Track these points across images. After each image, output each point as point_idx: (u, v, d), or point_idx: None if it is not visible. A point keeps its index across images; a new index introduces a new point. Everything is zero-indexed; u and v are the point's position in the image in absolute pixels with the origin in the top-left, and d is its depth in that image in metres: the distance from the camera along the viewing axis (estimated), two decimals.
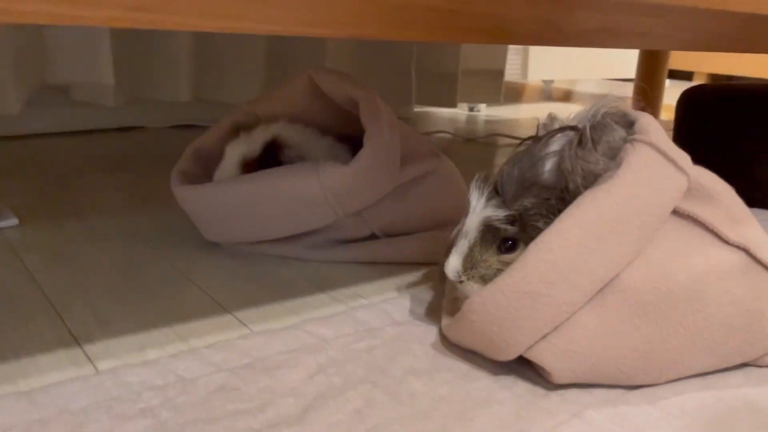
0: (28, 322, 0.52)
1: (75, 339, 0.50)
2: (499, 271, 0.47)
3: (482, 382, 0.45)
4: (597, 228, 0.43)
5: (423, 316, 0.55)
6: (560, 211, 0.45)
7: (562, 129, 0.48)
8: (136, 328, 0.52)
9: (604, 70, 2.47)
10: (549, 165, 0.47)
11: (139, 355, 0.48)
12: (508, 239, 0.47)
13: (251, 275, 0.64)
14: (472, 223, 0.48)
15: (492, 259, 0.48)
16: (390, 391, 0.43)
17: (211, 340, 0.50)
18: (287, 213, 0.64)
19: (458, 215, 0.71)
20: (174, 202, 0.68)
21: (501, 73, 1.87)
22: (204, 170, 0.72)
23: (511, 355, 0.45)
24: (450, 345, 0.50)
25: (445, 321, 0.51)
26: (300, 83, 0.72)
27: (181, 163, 0.71)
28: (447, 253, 0.50)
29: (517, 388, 0.45)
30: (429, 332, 0.52)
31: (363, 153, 0.62)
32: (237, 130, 0.73)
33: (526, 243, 0.46)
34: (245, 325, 0.54)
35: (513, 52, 2.09)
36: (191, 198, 0.67)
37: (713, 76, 3.04)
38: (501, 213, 0.46)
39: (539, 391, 0.45)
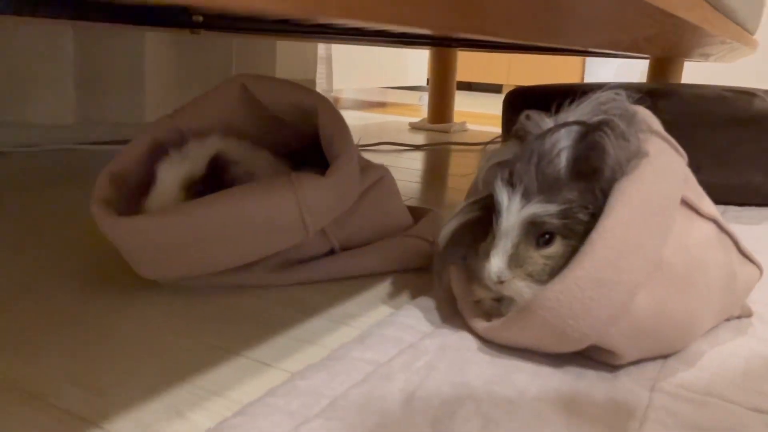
0: None
1: None
2: (546, 265, 0.48)
3: (560, 377, 0.46)
4: (644, 211, 0.46)
5: (444, 324, 0.54)
6: (598, 201, 0.47)
7: (565, 124, 0.51)
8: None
9: (398, 79, 2.62)
10: (564, 159, 0.49)
11: None
12: (546, 233, 0.48)
13: (223, 312, 0.56)
14: (511, 221, 0.48)
15: (535, 254, 0.48)
16: (497, 403, 0.42)
17: (254, 393, 0.43)
18: (256, 237, 0.57)
19: (406, 221, 0.71)
20: (71, 234, 0.57)
21: (313, 82, 1.88)
22: (122, 196, 0.61)
23: (583, 344, 0.46)
24: (498, 347, 0.49)
25: (482, 324, 0.51)
26: (230, 92, 0.64)
27: (98, 191, 0.59)
28: (485, 255, 0.50)
29: (592, 375, 0.46)
30: (464, 338, 0.51)
31: (340, 163, 0.58)
32: (159, 148, 0.63)
33: (564, 235, 0.48)
34: (271, 365, 0.47)
35: (319, 62, 2.10)
36: (132, 232, 0.56)
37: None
38: (552, 208, 0.47)
39: (606, 374, 0.47)
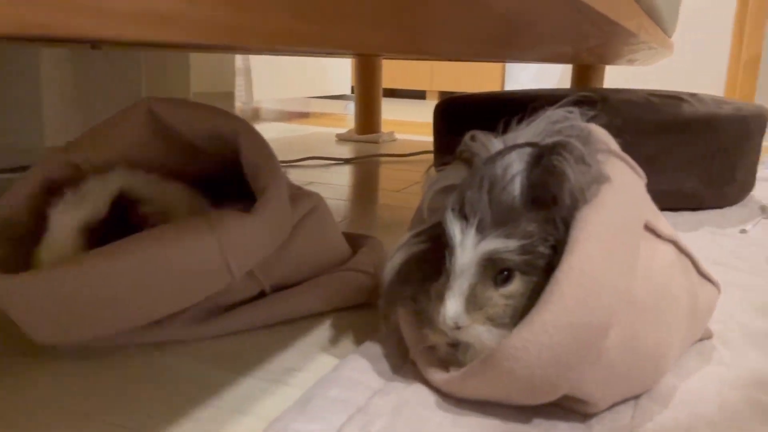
0: None
1: None
2: (507, 306, 0.43)
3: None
4: (610, 243, 0.42)
5: (395, 375, 0.48)
6: (559, 232, 0.43)
7: (516, 146, 0.46)
8: None
9: (322, 88, 2.55)
10: (518, 186, 0.44)
11: None
12: (504, 270, 0.43)
13: (136, 379, 0.48)
14: (467, 259, 0.43)
15: (494, 294, 0.43)
16: None
17: None
18: (172, 288, 0.49)
19: (344, 252, 0.65)
20: None
21: (231, 95, 1.79)
22: (10, 247, 0.52)
23: (554, 396, 0.41)
24: (459, 401, 0.44)
25: (440, 375, 0.45)
26: (135, 118, 0.56)
27: None
28: (438, 297, 0.44)
29: (564, 428, 0.41)
30: (420, 393, 0.45)
31: (268, 196, 0.51)
32: (52, 188, 0.54)
33: (524, 272, 0.43)
34: None
35: (237, 73, 2.01)
36: (21, 291, 0.47)
37: (442, 93, 3.41)
38: (512, 243, 0.42)
39: (579, 424, 0.42)
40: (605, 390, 0.42)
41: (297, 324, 0.58)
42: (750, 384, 0.48)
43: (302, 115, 2.53)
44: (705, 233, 0.89)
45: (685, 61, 2.23)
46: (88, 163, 0.55)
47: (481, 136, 0.50)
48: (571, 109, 0.48)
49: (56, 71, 1.24)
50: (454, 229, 0.44)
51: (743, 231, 0.89)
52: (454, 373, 0.44)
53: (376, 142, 1.78)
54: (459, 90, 3.07)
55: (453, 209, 0.45)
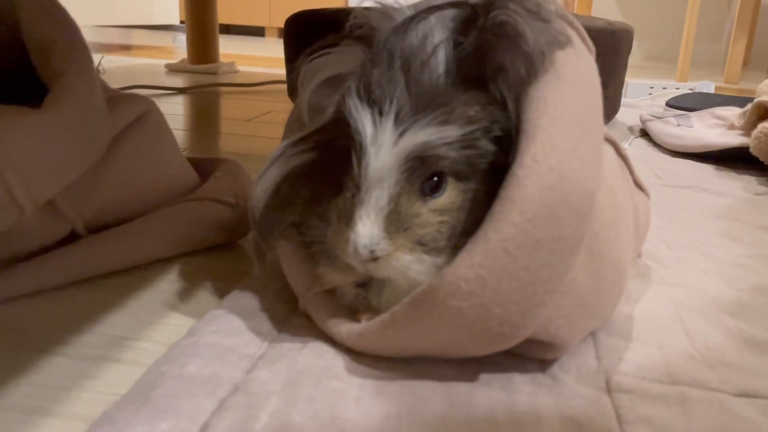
0: None
1: None
2: (442, 224, 0.30)
3: (486, 396, 0.29)
4: (577, 129, 0.30)
5: (282, 333, 0.34)
6: (509, 117, 0.31)
7: (435, 8, 0.33)
8: None
9: (142, 17, 2.21)
10: (443, 59, 0.32)
11: None
12: (434, 175, 0.31)
13: None
14: (384, 161, 0.30)
15: (423, 210, 0.30)
16: None
17: None
18: None
19: (188, 178, 0.49)
20: None
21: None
22: None
23: (515, 341, 0.29)
24: (379, 360, 0.31)
25: (348, 326, 0.32)
26: None
27: None
28: (341, 219, 0.31)
29: (525, 384, 0.30)
30: (322, 355, 0.32)
31: (67, 84, 0.34)
32: None
33: (458, 176, 0.31)
34: None
35: None
36: None
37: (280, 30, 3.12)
38: (451, 132, 0.29)
39: (541, 376, 0.31)
40: (574, 326, 0.31)
41: (128, 276, 0.41)
42: (706, 304, 0.40)
43: (123, 48, 2.19)
44: None
45: None
46: None
47: (380, 2, 0.36)
48: None
49: None
50: (363, 120, 0.30)
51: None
52: (368, 323, 0.31)
53: (214, 73, 1.55)
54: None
55: (357, 95, 0.31)
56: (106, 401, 0.27)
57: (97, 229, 0.42)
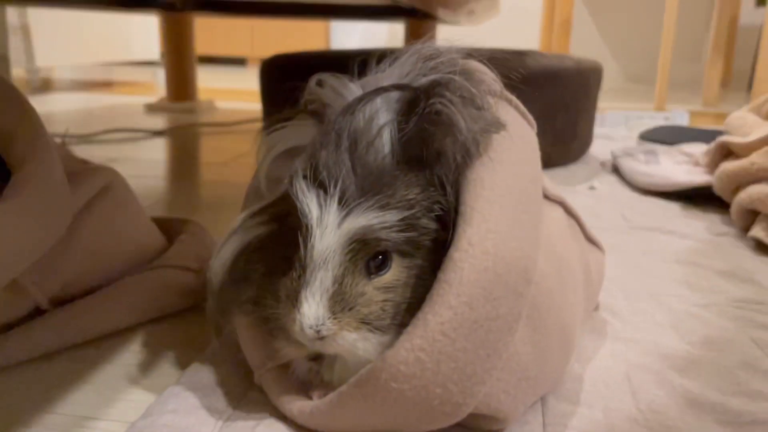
0: None
1: None
2: (386, 302, 0.32)
3: None
4: (513, 210, 0.32)
5: (237, 410, 0.34)
6: (448, 198, 0.32)
7: (381, 90, 0.35)
8: None
9: (122, 53, 2.23)
10: (387, 141, 0.33)
11: None
12: (379, 254, 0.32)
13: None
14: (329, 242, 0.31)
15: (368, 288, 0.32)
16: None
17: None
18: None
19: (153, 243, 0.50)
20: None
21: (6, 59, 1.48)
22: None
23: (457, 418, 0.30)
24: None
25: (300, 404, 0.33)
26: None
27: None
28: (289, 298, 0.32)
29: None
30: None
31: (29, 173, 0.35)
32: None
33: (404, 253, 0.32)
34: None
35: (12, 32, 1.66)
36: None
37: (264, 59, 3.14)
38: (391, 217, 0.31)
39: None
40: (516, 399, 0.32)
41: (93, 348, 0.42)
42: (655, 361, 0.41)
43: (105, 85, 2.21)
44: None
45: (502, 23, 2.27)
46: None
47: (331, 80, 0.38)
48: (443, 44, 0.37)
49: None
50: (309, 202, 0.32)
51: (592, 188, 0.86)
52: (318, 402, 0.32)
53: (192, 111, 1.57)
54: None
55: (305, 176, 0.32)
56: None
57: (63, 301, 0.43)
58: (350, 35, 3.20)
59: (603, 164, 1.02)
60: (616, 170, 0.99)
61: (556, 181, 0.89)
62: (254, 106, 1.70)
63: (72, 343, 0.42)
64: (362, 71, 0.38)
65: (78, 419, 0.35)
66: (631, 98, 2.18)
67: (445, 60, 0.35)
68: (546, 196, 0.42)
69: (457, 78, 0.33)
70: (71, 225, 0.41)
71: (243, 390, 0.36)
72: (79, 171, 0.45)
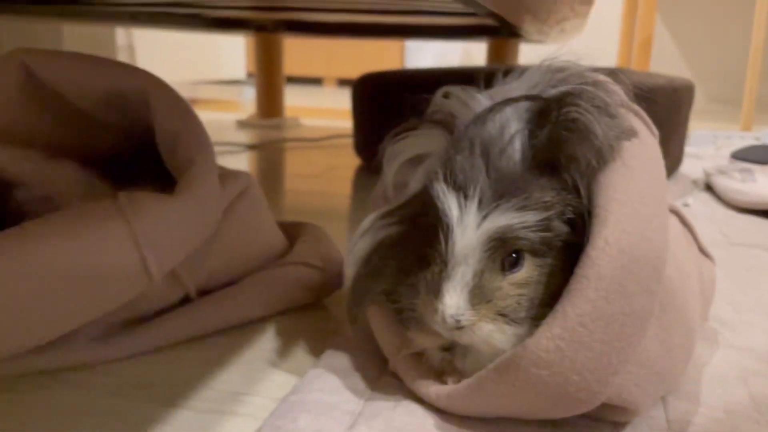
0: None
1: None
2: (521, 297, 0.34)
3: None
4: (644, 213, 0.34)
5: (375, 392, 0.38)
6: (581, 202, 0.35)
7: (511, 101, 0.37)
8: None
9: (212, 71, 2.35)
10: (519, 148, 0.36)
11: None
12: (513, 252, 0.35)
13: (28, 423, 0.35)
14: (469, 241, 0.34)
15: (504, 284, 0.34)
16: None
17: None
18: (71, 296, 0.36)
19: (280, 244, 0.54)
20: None
21: None
22: None
23: (592, 406, 0.32)
24: (465, 419, 0.35)
25: (436, 389, 0.36)
26: (4, 77, 0.42)
27: None
28: (430, 291, 0.35)
29: None
30: (413, 414, 0.35)
31: (195, 174, 0.39)
32: None
33: (536, 253, 0.34)
34: None
35: (119, 51, 1.79)
36: None
37: (340, 80, 3.25)
38: (530, 218, 0.33)
39: None
40: (646, 393, 0.34)
41: (232, 335, 0.46)
42: None
43: (191, 102, 2.33)
44: None
45: (578, 42, 2.27)
46: None
47: (459, 92, 0.41)
48: (570, 58, 0.40)
49: None
50: (450, 203, 0.34)
51: (686, 204, 0.86)
52: (455, 386, 0.35)
53: (280, 128, 1.65)
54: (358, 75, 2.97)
55: (444, 181, 0.35)
56: None
57: (205, 292, 0.47)
58: (425, 55, 3.25)
59: (695, 182, 1.01)
60: (708, 188, 0.98)
61: None
62: (335, 123, 1.77)
63: (213, 330, 0.46)
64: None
65: (232, 394, 0.39)
66: (716, 118, 2.12)
67: (574, 72, 0.38)
68: None
69: (589, 88, 0.35)
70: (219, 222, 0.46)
71: (377, 374, 0.39)
72: (222, 174, 0.49)
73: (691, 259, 0.44)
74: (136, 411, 0.36)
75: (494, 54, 1.44)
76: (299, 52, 3.32)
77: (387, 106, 1.04)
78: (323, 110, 2.22)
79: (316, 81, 3.55)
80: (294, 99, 2.52)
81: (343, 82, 3.35)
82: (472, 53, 3.10)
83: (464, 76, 0.43)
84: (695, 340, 0.39)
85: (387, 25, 1.60)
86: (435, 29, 1.61)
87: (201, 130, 0.41)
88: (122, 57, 1.84)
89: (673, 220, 0.44)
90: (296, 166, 1.22)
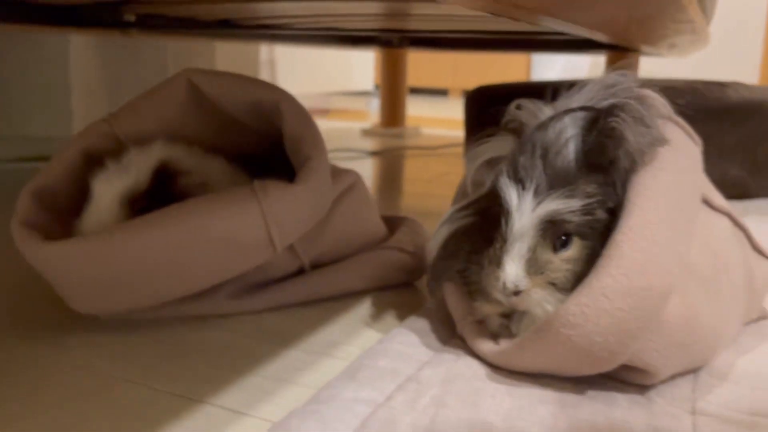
0: None
1: None
2: (568, 271, 0.41)
3: (589, 405, 0.39)
4: (669, 207, 0.40)
5: (444, 348, 0.46)
6: (617, 195, 0.41)
7: (569, 111, 0.45)
8: None
9: (343, 83, 2.55)
10: (573, 150, 0.43)
11: None
12: (563, 234, 0.42)
13: (181, 350, 0.47)
14: (525, 222, 0.42)
15: (555, 259, 0.42)
16: None
17: None
18: (214, 259, 0.48)
19: (381, 232, 0.64)
20: None
21: None
22: (52, 216, 0.51)
23: (613, 365, 0.39)
24: (511, 373, 0.43)
25: (490, 346, 0.44)
26: (175, 90, 0.56)
27: (21, 212, 0.49)
28: (492, 263, 0.43)
29: (623, 401, 0.40)
30: (471, 365, 0.44)
31: (312, 167, 0.50)
32: (93, 159, 0.53)
33: (582, 236, 0.42)
34: (246, 414, 0.38)
35: (263, 65, 2.01)
36: (63, 259, 0.46)
37: (466, 91, 3.38)
38: (574, 204, 0.41)
39: (638, 396, 0.40)
40: (666, 359, 0.40)
41: (336, 302, 0.57)
42: None
43: (323, 112, 2.52)
44: (751, 222, 0.86)
45: (714, 56, 2.19)
46: (129, 135, 0.55)
47: (528, 104, 0.49)
48: (624, 72, 0.47)
49: (84, 60, 1.24)
50: (511, 193, 0.43)
51: None
52: (506, 344, 0.43)
53: (401, 136, 1.76)
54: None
55: (507, 175, 0.44)
56: (327, 379, 0.42)
57: (317, 266, 0.58)
58: (552, 67, 3.26)
59: None
60: None
61: (756, 212, 0.91)
62: (454, 132, 1.86)
63: (322, 297, 0.57)
64: (555, 98, 0.48)
65: (332, 342, 0.49)
66: None
67: (623, 88, 0.45)
68: (712, 207, 0.49)
69: (632, 102, 0.42)
70: (329, 209, 0.57)
71: (448, 336, 0.48)
72: (334, 171, 0.60)
73: (737, 255, 0.48)
74: (259, 348, 0.48)
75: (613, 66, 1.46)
76: (426, 64, 3.45)
77: (495, 116, 1.11)
78: (444, 120, 2.32)
79: (441, 92, 3.66)
80: (418, 109, 2.64)
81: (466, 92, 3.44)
82: (600, 65, 3.06)
83: (560, 88, 0.50)
84: (726, 327, 0.44)
85: (509, 40, 1.67)
86: (556, 43, 1.66)
87: (318, 134, 0.52)
88: (265, 70, 2.05)
89: (723, 221, 0.49)
90: (413, 172, 1.32)
